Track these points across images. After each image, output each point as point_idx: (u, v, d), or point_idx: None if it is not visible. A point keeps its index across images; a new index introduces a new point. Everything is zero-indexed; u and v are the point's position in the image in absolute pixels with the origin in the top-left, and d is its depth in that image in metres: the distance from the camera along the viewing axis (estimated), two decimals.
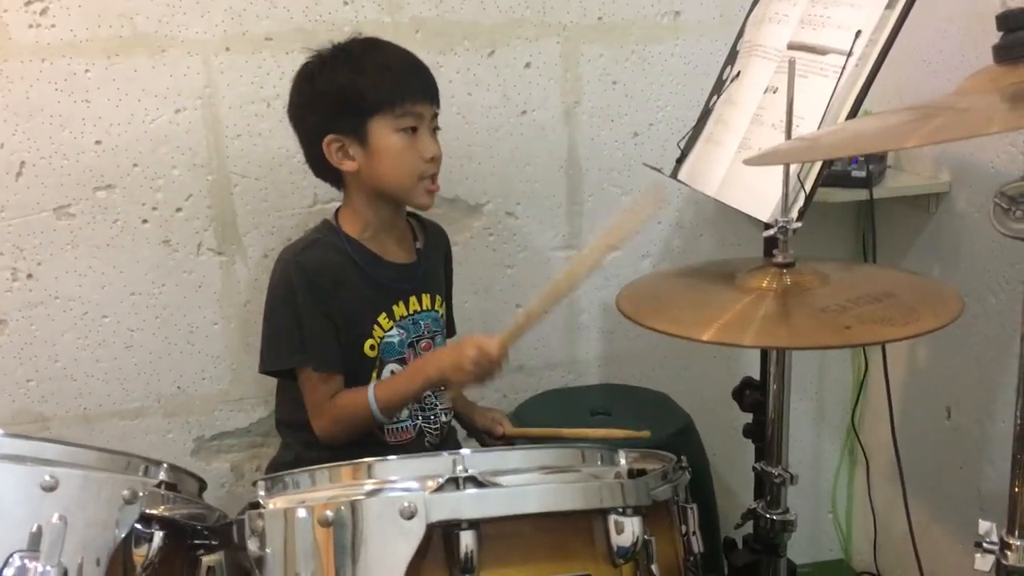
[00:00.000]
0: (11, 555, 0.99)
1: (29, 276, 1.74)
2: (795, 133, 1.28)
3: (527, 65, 1.87)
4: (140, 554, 1.07)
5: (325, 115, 1.47)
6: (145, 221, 1.77)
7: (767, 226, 1.29)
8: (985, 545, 1.10)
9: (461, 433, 1.73)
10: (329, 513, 1.01)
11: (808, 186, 1.32)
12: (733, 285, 1.28)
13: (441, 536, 1.01)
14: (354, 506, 1.02)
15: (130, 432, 1.84)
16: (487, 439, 1.70)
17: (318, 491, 1.09)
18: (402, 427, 1.55)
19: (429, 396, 1.57)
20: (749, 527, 1.50)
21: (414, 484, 1.05)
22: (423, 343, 1.56)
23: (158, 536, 1.07)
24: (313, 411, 1.49)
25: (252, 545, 1.05)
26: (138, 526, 1.07)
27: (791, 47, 1.43)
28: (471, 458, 1.05)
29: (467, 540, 0.99)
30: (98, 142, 1.71)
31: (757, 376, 1.54)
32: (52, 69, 1.67)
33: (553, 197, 1.94)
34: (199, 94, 1.74)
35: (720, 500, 1.84)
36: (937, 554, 1.86)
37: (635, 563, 1.08)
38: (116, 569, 1.05)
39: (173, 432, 1.87)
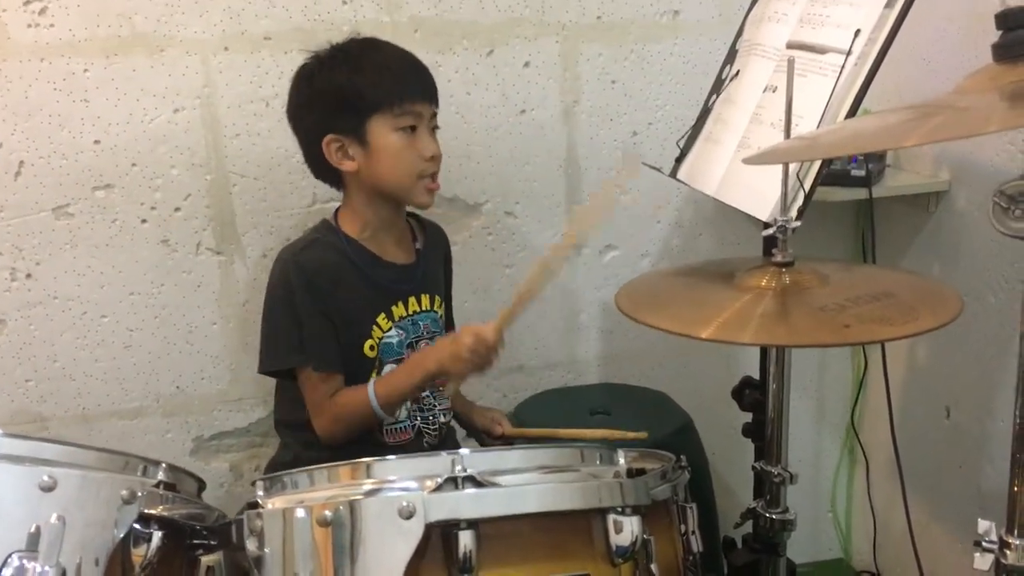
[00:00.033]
0: (9, 555, 0.99)
1: (28, 276, 1.74)
2: (794, 132, 1.27)
3: (526, 64, 1.87)
4: (139, 554, 1.07)
5: (324, 115, 1.47)
6: (144, 221, 1.77)
7: (766, 225, 1.29)
8: (984, 544, 1.10)
9: (460, 433, 1.73)
10: (328, 513, 1.01)
11: (807, 185, 1.32)
12: (732, 284, 1.28)
13: (440, 536, 1.01)
14: (353, 506, 1.02)
15: (129, 432, 1.84)
16: (486, 439, 1.70)
17: (317, 491, 1.09)
18: (401, 427, 1.55)
19: (427, 396, 1.57)
20: (748, 526, 1.50)
21: (413, 484, 1.05)
22: (422, 344, 1.56)
23: (157, 536, 1.07)
24: (313, 410, 1.49)
25: (251, 545, 1.05)
26: (137, 526, 1.07)
27: (790, 46, 1.43)
28: (470, 458, 1.04)
29: (466, 540, 0.99)
30: (97, 142, 1.71)
31: (756, 375, 1.54)
32: (51, 69, 1.67)
33: (552, 196, 1.94)
34: (198, 94, 1.74)
35: (719, 499, 1.84)
36: (937, 553, 1.86)
37: (634, 562, 1.08)
38: (115, 569, 1.05)
39: (172, 432, 1.87)
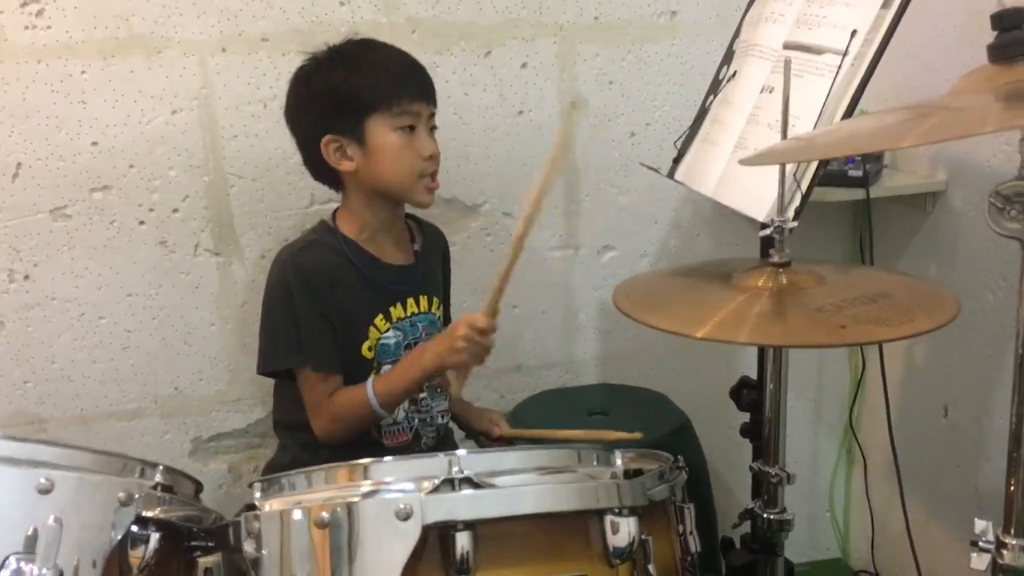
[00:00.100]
0: (7, 557, 0.99)
1: (26, 278, 1.74)
2: (791, 133, 1.28)
3: (524, 65, 1.87)
4: (136, 556, 1.07)
5: (322, 115, 1.47)
6: (142, 222, 1.77)
7: (763, 226, 1.29)
8: (981, 544, 1.10)
9: (459, 434, 1.73)
10: (325, 515, 1.01)
11: (804, 186, 1.32)
12: (729, 284, 1.28)
13: (437, 537, 1.01)
14: (350, 507, 1.02)
15: (127, 433, 1.84)
16: (484, 440, 1.70)
17: (314, 493, 1.09)
18: (399, 429, 1.55)
19: (425, 398, 1.57)
20: (747, 526, 1.50)
21: (410, 485, 1.05)
22: (420, 346, 1.56)
23: (154, 538, 1.07)
24: (312, 411, 1.49)
25: (248, 547, 1.05)
26: (134, 528, 1.07)
27: (787, 47, 1.43)
28: (467, 459, 1.05)
29: (463, 541, 1.00)
30: (94, 143, 1.71)
31: (754, 376, 1.54)
32: (48, 70, 1.67)
33: (550, 197, 1.94)
34: (195, 95, 1.74)
35: (717, 499, 1.85)
36: (935, 553, 1.86)
37: (632, 563, 1.08)
38: (112, 571, 1.05)
39: (170, 433, 1.87)
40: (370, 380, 1.47)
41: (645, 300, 1.32)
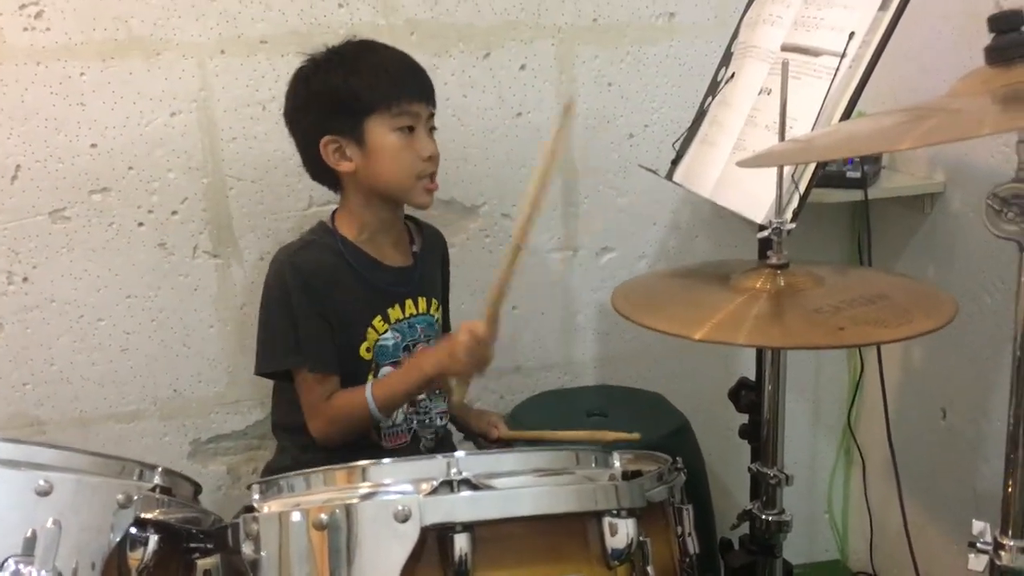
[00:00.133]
0: (6, 560, 0.99)
1: (25, 280, 1.74)
2: (789, 135, 1.28)
3: (522, 67, 1.87)
4: (135, 558, 1.07)
5: (321, 116, 1.47)
6: (141, 224, 1.77)
7: (761, 227, 1.30)
8: (979, 545, 1.10)
9: (457, 436, 1.73)
10: (323, 516, 1.01)
11: (802, 187, 1.32)
12: (728, 286, 1.28)
13: (435, 539, 1.01)
14: (348, 509, 1.02)
15: (126, 435, 1.84)
16: (483, 442, 1.70)
17: (312, 494, 1.09)
18: (398, 431, 1.55)
19: (424, 400, 1.57)
20: (745, 528, 1.50)
21: (408, 487, 1.05)
22: (418, 347, 1.56)
23: (153, 540, 1.08)
24: (309, 412, 1.49)
25: (247, 549, 1.05)
26: (133, 530, 1.07)
27: (785, 49, 1.44)
28: (465, 461, 1.05)
29: (461, 543, 1.00)
30: (93, 145, 1.71)
31: (753, 377, 1.54)
32: (47, 72, 1.67)
33: (549, 199, 1.94)
34: (194, 97, 1.74)
35: (716, 501, 1.84)
36: (933, 554, 1.86)
37: (631, 565, 1.08)
38: (111, 573, 1.06)
39: (169, 435, 1.87)
40: (369, 384, 1.47)
41: (644, 302, 1.33)
